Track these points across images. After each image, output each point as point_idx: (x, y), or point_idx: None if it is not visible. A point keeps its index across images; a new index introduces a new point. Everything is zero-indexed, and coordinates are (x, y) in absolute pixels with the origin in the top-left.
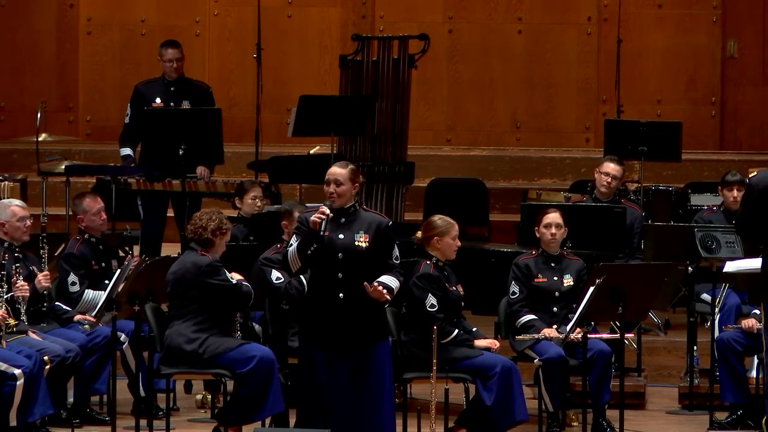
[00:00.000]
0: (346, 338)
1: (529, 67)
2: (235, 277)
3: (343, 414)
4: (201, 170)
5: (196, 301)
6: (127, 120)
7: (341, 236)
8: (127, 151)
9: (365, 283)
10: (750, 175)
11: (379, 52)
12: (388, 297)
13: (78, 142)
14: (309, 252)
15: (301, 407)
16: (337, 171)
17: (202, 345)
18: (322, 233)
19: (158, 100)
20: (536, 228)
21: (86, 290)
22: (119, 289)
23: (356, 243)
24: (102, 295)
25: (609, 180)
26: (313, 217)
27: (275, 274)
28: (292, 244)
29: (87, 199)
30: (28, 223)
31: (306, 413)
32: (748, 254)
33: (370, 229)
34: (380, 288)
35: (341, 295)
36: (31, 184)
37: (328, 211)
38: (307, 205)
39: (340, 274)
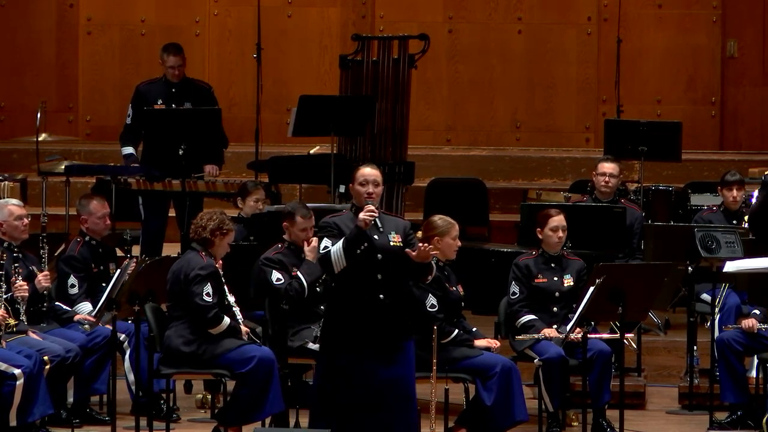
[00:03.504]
0: (386, 339)
1: (529, 67)
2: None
3: (377, 413)
4: (210, 168)
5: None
6: (128, 121)
7: (376, 237)
8: (129, 149)
9: (407, 249)
10: (766, 172)
11: (379, 52)
12: (435, 252)
13: (78, 142)
14: (358, 252)
15: (325, 408)
16: (375, 172)
17: (201, 346)
18: (380, 229)
19: (160, 102)
20: (538, 229)
21: (84, 301)
22: (118, 290)
23: (391, 243)
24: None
25: (607, 179)
26: (363, 216)
27: (275, 275)
28: (327, 247)
29: (94, 202)
30: (26, 221)
31: (329, 414)
32: (749, 254)
33: (398, 230)
34: (427, 245)
35: (381, 296)
36: (31, 184)
37: (374, 210)
38: (318, 204)
39: (379, 276)
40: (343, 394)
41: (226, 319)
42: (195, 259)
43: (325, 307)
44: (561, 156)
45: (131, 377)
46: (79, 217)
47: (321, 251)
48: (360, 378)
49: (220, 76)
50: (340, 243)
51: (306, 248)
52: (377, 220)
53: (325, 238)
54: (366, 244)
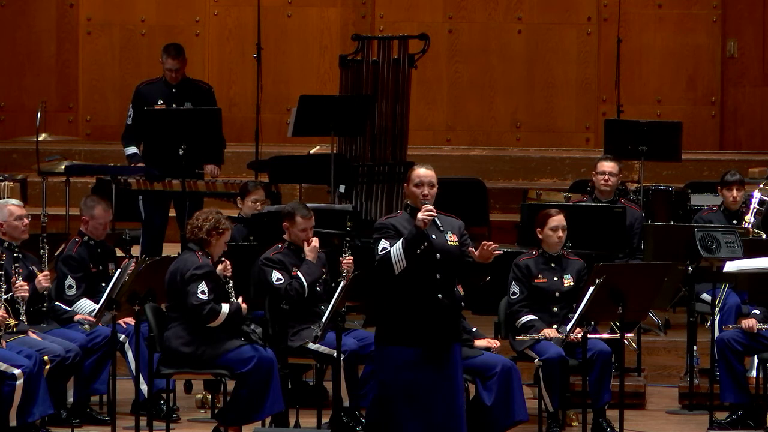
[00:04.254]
0: (444, 338)
1: (529, 67)
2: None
3: (435, 412)
4: (211, 168)
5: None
6: (129, 121)
7: (434, 237)
8: (132, 149)
9: (470, 248)
10: None
11: (379, 52)
12: (498, 252)
13: (78, 142)
14: (419, 252)
15: (383, 407)
16: (430, 173)
17: (200, 347)
18: (440, 229)
19: (160, 102)
20: (538, 229)
21: (83, 299)
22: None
23: (449, 243)
24: (95, 306)
25: (606, 178)
26: (422, 216)
27: (275, 275)
28: (386, 248)
29: (100, 208)
30: (26, 221)
31: (385, 412)
32: (749, 254)
33: (454, 230)
34: (491, 243)
35: (440, 296)
36: (31, 184)
37: (433, 210)
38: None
39: (438, 275)
40: (398, 388)
41: (224, 308)
42: (191, 259)
43: (380, 306)
44: (561, 156)
45: (141, 377)
46: (81, 217)
47: (379, 252)
48: (414, 374)
49: (220, 76)
50: (399, 243)
51: (306, 248)
52: (436, 219)
53: (383, 240)
54: (426, 244)
